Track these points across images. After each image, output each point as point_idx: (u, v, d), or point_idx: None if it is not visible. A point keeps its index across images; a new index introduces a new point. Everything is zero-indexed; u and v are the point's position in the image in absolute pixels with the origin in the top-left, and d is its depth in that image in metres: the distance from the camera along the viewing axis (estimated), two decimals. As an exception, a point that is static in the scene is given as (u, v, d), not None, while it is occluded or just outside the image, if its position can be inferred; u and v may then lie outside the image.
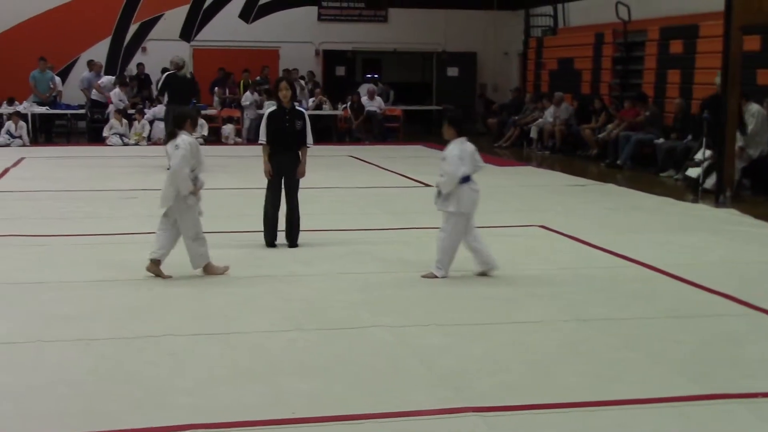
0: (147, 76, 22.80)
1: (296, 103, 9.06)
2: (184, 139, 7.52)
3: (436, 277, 7.62)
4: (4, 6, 23.17)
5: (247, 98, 21.54)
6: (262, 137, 8.81)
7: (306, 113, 9.00)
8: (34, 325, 6.19)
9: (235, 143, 20.92)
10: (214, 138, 21.17)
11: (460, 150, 7.56)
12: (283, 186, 8.88)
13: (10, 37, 23.35)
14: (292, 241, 8.91)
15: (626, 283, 7.64)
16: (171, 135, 7.70)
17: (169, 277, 7.53)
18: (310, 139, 8.87)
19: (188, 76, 16.31)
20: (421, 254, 8.71)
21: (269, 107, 9.50)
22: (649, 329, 6.29)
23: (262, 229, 8.95)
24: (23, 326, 6.18)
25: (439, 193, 7.60)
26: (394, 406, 4.80)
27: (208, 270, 7.69)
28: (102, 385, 5.06)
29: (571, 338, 6.06)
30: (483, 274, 7.76)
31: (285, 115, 8.77)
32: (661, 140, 15.94)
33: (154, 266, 7.55)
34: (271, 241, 8.88)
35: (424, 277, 7.65)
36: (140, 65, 23.24)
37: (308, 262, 8.27)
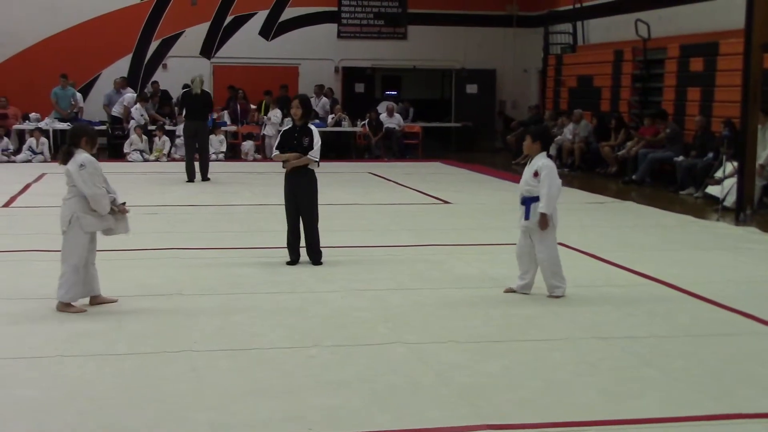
0: (165, 92, 22.95)
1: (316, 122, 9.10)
2: (85, 157, 6.95)
3: (563, 296, 7.57)
4: (26, 23, 23.40)
5: (274, 116, 21.59)
6: (277, 147, 8.96)
7: (315, 130, 8.96)
8: (56, 340, 6.23)
9: (255, 160, 21.00)
10: (232, 155, 21.28)
11: (552, 163, 7.56)
12: (296, 205, 8.92)
13: (32, 54, 23.56)
14: (314, 261, 8.91)
15: (645, 301, 7.61)
16: (68, 154, 7.03)
17: (84, 311, 7.02)
18: (316, 153, 8.77)
19: (199, 92, 16.50)
20: (440, 271, 8.73)
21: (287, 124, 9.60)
22: (668, 347, 6.27)
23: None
24: (45, 341, 6.22)
25: (528, 207, 7.53)
26: (411, 423, 4.80)
27: (64, 307, 6.96)
28: (122, 400, 5.09)
29: (590, 356, 6.05)
30: (512, 291, 7.74)
31: (294, 133, 8.86)
32: (681, 158, 15.89)
33: (67, 306, 7.00)
34: (293, 260, 8.90)
35: (552, 296, 7.58)
36: (155, 83, 23.36)
37: (327, 279, 8.29)
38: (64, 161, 7.04)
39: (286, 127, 9.11)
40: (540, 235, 7.53)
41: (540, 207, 7.45)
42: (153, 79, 23.94)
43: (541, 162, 7.53)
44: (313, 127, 8.96)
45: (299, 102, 8.89)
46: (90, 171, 6.92)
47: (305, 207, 8.89)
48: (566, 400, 5.19)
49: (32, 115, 21.21)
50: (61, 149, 7.30)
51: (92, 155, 7.10)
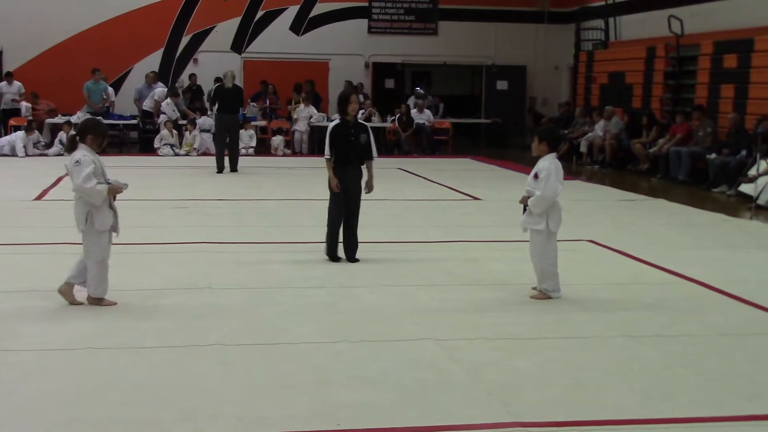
0: (199, 87, 23.07)
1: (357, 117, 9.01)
2: (85, 155, 6.81)
3: (551, 297, 7.44)
4: (59, 18, 23.58)
5: (300, 112, 21.65)
6: (327, 152, 8.73)
7: (369, 127, 8.99)
8: (86, 333, 6.27)
9: (284, 155, 21.04)
10: (261, 149, 21.34)
11: (556, 167, 7.37)
12: (346, 200, 8.80)
13: (65, 48, 23.76)
14: (351, 257, 8.82)
15: (677, 300, 7.55)
16: (73, 143, 6.98)
17: (114, 303, 7.00)
18: (374, 152, 8.85)
19: (231, 86, 16.98)
20: (469, 267, 8.70)
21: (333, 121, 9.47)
22: (700, 347, 6.21)
23: (325, 240, 8.91)
24: (76, 334, 6.26)
25: (525, 209, 7.43)
26: (440, 420, 4.78)
27: (95, 302, 6.97)
28: (152, 394, 5.11)
29: (620, 355, 6.00)
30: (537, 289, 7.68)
31: (350, 129, 8.73)
32: (714, 155, 15.73)
33: (68, 288, 7.00)
34: (333, 255, 8.81)
35: (534, 297, 7.46)
36: (192, 76, 23.46)
37: (356, 274, 8.27)
38: (70, 150, 7.02)
39: (334, 123, 8.92)
40: (536, 238, 7.44)
41: (530, 200, 7.35)
42: (185, 73, 24.07)
43: (542, 164, 7.40)
44: (366, 123, 8.94)
45: (358, 98, 8.79)
46: (87, 171, 6.75)
47: (354, 200, 8.79)
48: (596, 399, 5.15)
49: (23, 104, 21.45)
50: (68, 138, 7.28)
51: (97, 152, 6.96)
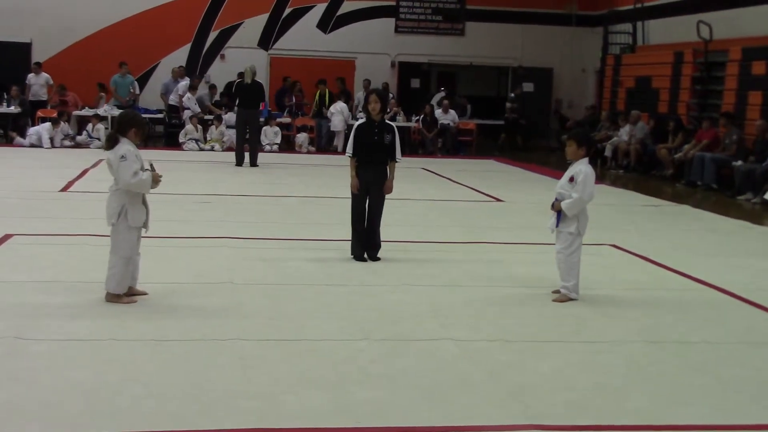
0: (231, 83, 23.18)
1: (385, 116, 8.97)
2: (129, 150, 6.81)
3: (573, 299, 7.44)
4: (88, 12, 23.76)
5: (339, 108, 21.63)
6: (350, 150, 8.72)
7: (396, 127, 8.93)
8: (108, 325, 6.31)
9: (309, 152, 21.07)
10: (286, 146, 21.39)
11: (591, 172, 7.40)
12: (367, 199, 8.81)
13: (93, 41, 23.92)
14: (372, 256, 8.83)
15: (698, 306, 7.51)
16: (112, 140, 6.91)
17: (145, 293, 7.11)
18: (398, 154, 8.79)
19: (250, 81, 17.28)
20: (491, 268, 8.69)
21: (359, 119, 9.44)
22: (721, 354, 6.18)
23: (351, 239, 8.91)
24: (98, 325, 6.30)
25: (559, 215, 7.43)
26: (459, 420, 4.79)
27: (114, 298, 6.90)
28: (171, 387, 5.14)
29: (641, 360, 5.98)
30: (558, 292, 7.66)
31: (374, 128, 8.69)
32: (740, 162, 15.64)
33: (118, 297, 6.92)
34: (358, 255, 8.80)
35: (556, 300, 7.45)
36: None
37: (378, 273, 8.29)
38: (109, 147, 6.92)
39: (360, 122, 8.91)
40: (563, 237, 7.44)
41: (564, 203, 7.35)
42: (211, 68, 24.19)
43: (579, 168, 7.42)
44: (393, 124, 8.91)
45: (377, 96, 8.70)
46: (129, 164, 6.76)
47: (376, 199, 8.77)
48: (616, 403, 5.14)
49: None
50: (107, 135, 7.27)
51: (136, 144, 6.99)
